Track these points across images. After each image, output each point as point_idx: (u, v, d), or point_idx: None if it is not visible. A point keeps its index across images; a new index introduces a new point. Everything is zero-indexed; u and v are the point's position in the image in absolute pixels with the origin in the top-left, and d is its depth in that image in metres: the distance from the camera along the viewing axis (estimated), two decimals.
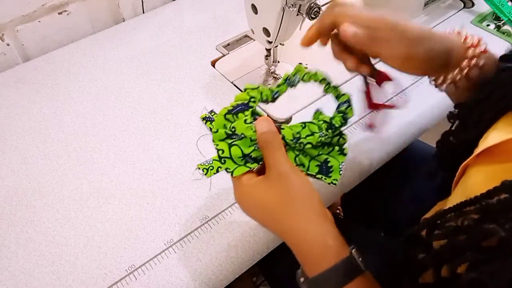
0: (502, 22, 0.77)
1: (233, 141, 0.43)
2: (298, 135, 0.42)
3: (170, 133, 0.62)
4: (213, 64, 0.73)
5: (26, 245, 0.50)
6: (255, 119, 0.43)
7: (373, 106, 0.48)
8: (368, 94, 0.48)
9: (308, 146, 0.42)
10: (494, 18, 0.78)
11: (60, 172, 0.57)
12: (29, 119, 0.64)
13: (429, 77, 0.46)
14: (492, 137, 0.37)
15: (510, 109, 0.38)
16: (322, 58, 0.74)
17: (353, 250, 0.37)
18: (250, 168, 0.42)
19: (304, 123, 0.43)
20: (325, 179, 0.44)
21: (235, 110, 0.43)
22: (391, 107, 0.49)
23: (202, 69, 0.71)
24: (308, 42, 0.45)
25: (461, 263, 0.31)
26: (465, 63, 0.42)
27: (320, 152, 0.45)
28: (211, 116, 0.63)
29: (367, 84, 0.47)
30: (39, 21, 0.75)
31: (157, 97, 0.67)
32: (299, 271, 0.39)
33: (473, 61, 0.42)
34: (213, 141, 0.43)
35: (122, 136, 0.61)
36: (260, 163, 0.42)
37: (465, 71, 0.42)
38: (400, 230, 0.39)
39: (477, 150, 0.37)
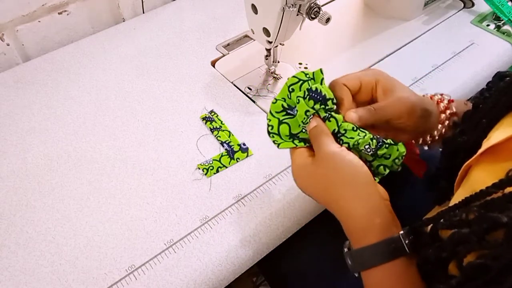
0: (502, 22, 0.77)
1: (284, 118, 0.44)
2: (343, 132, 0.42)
3: (170, 133, 0.62)
4: (213, 64, 0.73)
5: (26, 245, 0.50)
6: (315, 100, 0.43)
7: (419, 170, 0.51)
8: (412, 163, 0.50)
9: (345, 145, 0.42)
10: (494, 18, 0.78)
11: (60, 172, 0.57)
12: (29, 119, 0.64)
13: (417, 144, 0.50)
14: (495, 137, 0.37)
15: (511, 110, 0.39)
16: (322, 58, 0.74)
17: (402, 232, 0.38)
18: (296, 145, 0.44)
19: (358, 129, 0.43)
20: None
21: (301, 82, 0.44)
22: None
23: (202, 69, 0.71)
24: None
25: (467, 253, 0.31)
26: (443, 116, 0.47)
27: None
28: (211, 116, 0.63)
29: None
30: (39, 21, 0.75)
31: (157, 97, 0.67)
32: (347, 242, 0.41)
33: (448, 111, 0.47)
34: (270, 111, 0.45)
35: (122, 136, 0.61)
36: (307, 144, 0.44)
37: (447, 122, 0.47)
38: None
39: (480, 150, 0.38)
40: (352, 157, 0.41)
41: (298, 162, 0.43)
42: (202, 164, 0.57)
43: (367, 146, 0.41)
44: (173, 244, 0.50)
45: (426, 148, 0.50)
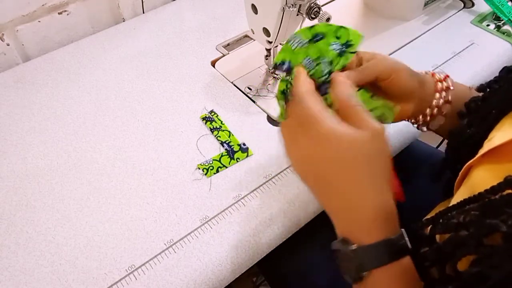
0: (502, 22, 0.77)
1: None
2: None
3: (170, 133, 0.62)
4: (213, 64, 0.73)
5: (26, 245, 0.50)
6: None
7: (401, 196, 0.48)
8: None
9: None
10: (494, 18, 0.78)
11: (60, 172, 0.57)
12: (29, 119, 0.64)
13: (409, 120, 0.49)
14: (497, 138, 0.37)
15: None
16: None
17: (403, 230, 0.36)
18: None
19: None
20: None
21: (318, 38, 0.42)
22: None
23: (202, 69, 0.71)
24: None
25: (463, 256, 0.31)
26: (437, 95, 0.46)
27: None
28: (211, 116, 0.63)
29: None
30: (39, 21, 0.75)
31: (157, 97, 0.67)
32: (340, 239, 0.36)
33: (443, 94, 0.46)
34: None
35: (122, 136, 0.61)
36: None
37: (440, 102, 0.46)
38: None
39: (482, 151, 0.37)
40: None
41: (331, 125, 0.35)
42: (202, 164, 0.57)
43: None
44: (173, 244, 0.50)
45: (425, 129, 0.49)
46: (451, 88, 0.47)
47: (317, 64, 0.41)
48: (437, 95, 0.46)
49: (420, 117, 0.48)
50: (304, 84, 0.39)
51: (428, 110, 0.47)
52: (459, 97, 0.47)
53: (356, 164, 0.35)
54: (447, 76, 0.48)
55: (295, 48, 0.42)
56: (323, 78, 0.41)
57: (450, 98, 0.47)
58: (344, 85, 0.38)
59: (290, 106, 0.40)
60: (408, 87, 0.45)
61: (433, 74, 0.48)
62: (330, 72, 0.41)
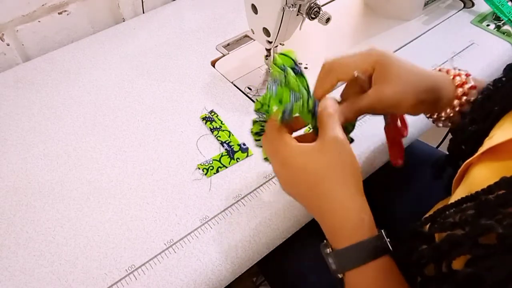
0: (502, 22, 0.77)
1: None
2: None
3: (170, 133, 0.62)
4: (213, 64, 0.73)
5: (26, 245, 0.50)
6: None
7: (394, 141, 0.50)
8: (389, 131, 0.49)
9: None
10: (494, 18, 0.78)
11: (60, 172, 0.57)
12: (29, 119, 0.64)
13: (424, 114, 0.49)
14: (498, 136, 0.37)
15: None
16: (322, 58, 0.74)
17: (383, 230, 0.38)
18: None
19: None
20: None
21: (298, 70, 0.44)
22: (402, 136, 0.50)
23: (202, 69, 0.71)
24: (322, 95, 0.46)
25: (458, 256, 0.31)
26: (456, 102, 0.45)
27: None
28: (211, 116, 0.63)
29: (387, 121, 0.49)
30: (39, 21, 0.75)
31: (157, 97, 0.67)
32: (324, 243, 0.40)
33: (464, 98, 0.45)
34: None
35: (122, 136, 0.61)
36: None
37: (458, 108, 0.45)
38: (400, 230, 0.39)
39: (482, 149, 0.38)
40: (349, 146, 0.40)
41: (295, 147, 0.40)
42: (202, 164, 0.57)
43: None
44: (173, 244, 0.50)
45: (440, 125, 0.49)
46: (473, 88, 0.45)
47: (296, 101, 0.43)
48: (456, 101, 0.45)
49: (435, 115, 0.47)
50: (270, 124, 0.43)
51: (443, 113, 0.46)
52: (478, 91, 0.46)
53: (315, 177, 0.39)
54: (468, 75, 0.46)
55: (270, 95, 0.43)
56: (306, 109, 0.43)
57: (472, 98, 0.45)
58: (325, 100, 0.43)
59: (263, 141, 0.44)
60: (416, 112, 0.45)
61: (454, 76, 0.46)
62: (308, 99, 0.43)
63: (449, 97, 0.45)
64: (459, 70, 0.47)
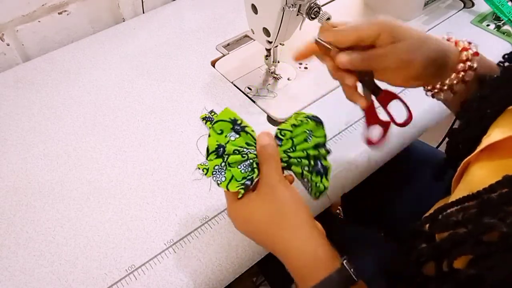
0: (502, 22, 0.77)
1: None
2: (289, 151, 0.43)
3: (170, 133, 0.62)
4: (213, 64, 0.73)
5: (26, 245, 0.50)
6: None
7: (371, 122, 0.48)
8: (368, 110, 0.47)
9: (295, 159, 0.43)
10: (494, 18, 0.78)
11: (60, 172, 0.57)
12: (29, 119, 0.64)
13: (424, 88, 0.48)
14: (495, 134, 0.37)
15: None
16: None
17: (345, 261, 0.37)
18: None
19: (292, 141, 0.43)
20: (322, 182, 0.43)
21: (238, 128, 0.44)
22: (387, 123, 0.48)
23: (202, 69, 0.71)
24: (300, 57, 0.46)
25: (460, 255, 0.31)
26: (460, 66, 0.44)
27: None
28: (211, 116, 0.63)
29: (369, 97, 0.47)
30: (39, 21, 0.75)
31: (157, 97, 0.67)
32: (293, 285, 0.40)
33: (468, 63, 0.44)
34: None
35: (122, 136, 0.61)
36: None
37: (461, 74, 0.44)
38: (400, 230, 0.39)
39: (480, 147, 0.38)
40: (292, 190, 0.40)
41: (240, 200, 0.41)
42: (202, 164, 0.57)
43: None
44: (173, 244, 0.50)
45: (441, 97, 0.47)
46: (473, 70, 0.44)
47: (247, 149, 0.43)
48: (454, 75, 0.44)
49: (438, 86, 0.46)
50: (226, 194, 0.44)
51: (447, 80, 0.45)
52: (483, 65, 0.45)
53: (263, 225, 0.40)
54: (476, 54, 0.44)
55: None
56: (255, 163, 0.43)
57: (475, 65, 0.44)
58: (263, 136, 0.43)
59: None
60: (421, 76, 0.43)
61: (462, 50, 0.44)
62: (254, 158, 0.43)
63: (455, 62, 0.44)
64: (468, 43, 0.46)
